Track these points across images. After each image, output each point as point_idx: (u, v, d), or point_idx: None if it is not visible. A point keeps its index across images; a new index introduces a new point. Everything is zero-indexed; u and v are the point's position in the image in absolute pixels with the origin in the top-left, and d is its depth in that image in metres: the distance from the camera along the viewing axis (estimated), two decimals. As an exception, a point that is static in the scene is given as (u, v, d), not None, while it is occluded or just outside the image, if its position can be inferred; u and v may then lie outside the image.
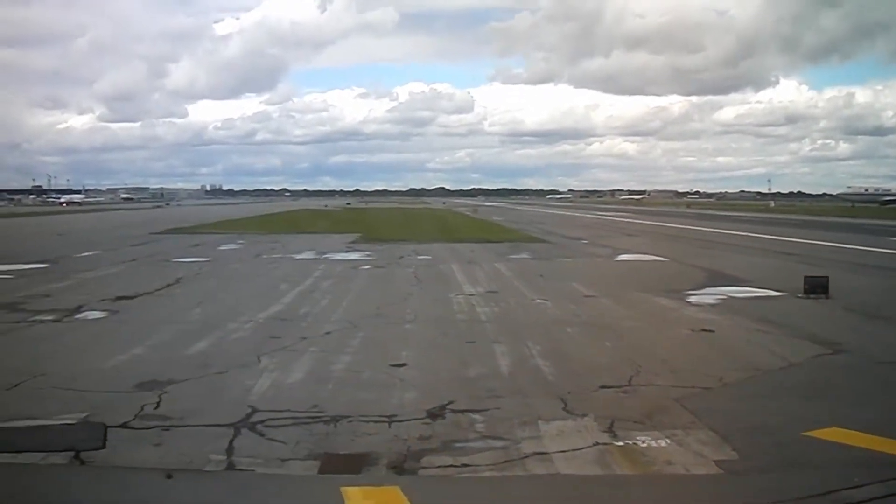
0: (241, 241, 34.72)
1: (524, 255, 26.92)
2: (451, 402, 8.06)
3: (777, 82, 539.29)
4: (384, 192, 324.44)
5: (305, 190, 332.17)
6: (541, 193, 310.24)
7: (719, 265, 23.16)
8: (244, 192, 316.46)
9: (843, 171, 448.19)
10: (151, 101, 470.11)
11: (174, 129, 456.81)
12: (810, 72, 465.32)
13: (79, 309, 14.55)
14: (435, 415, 7.69)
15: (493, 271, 21.64)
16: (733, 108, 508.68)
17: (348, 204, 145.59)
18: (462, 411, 7.82)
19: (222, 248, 31.24)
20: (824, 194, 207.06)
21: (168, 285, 18.37)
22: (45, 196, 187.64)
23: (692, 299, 16.28)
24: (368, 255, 27.01)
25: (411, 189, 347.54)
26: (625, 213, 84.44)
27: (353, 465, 6.38)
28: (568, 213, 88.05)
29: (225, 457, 6.45)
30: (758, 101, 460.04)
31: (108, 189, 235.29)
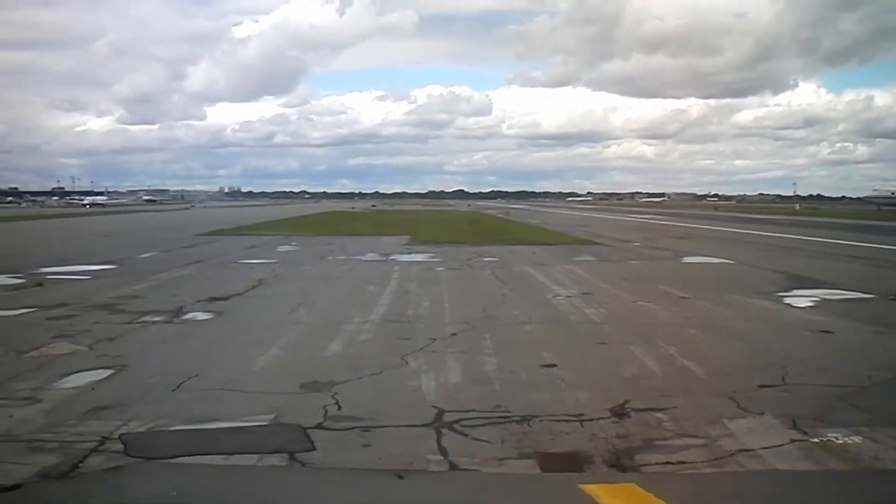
0: (294, 243, 34.74)
1: (588, 258, 26.76)
2: (627, 402, 8.00)
3: (795, 85, 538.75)
4: (403, 195, 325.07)
5: (325, 192, 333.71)
6: (559, 196, 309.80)
7: (788, 268, 22.94)
8: (263, 195, 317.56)
9: (862, 174, 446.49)
10: (170, 103, 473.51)
11: (192, 132, 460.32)
12: (829, 75, 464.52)
13: (181, 310, 14.53)
14: (620, 414, 7.65)
15: (569, 273, 21.52)
16: (751, 111, 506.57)
17: (373, 206, 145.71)
18: (643, 410, 7.76)
19: (280, 249, 31.25)
20: (843, 197, 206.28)
21: (253, 287, 18.36)
22: (68, 197, 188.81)
23: (788, 301, 16.15)
24: (433, 257, 26.94)
25: (430, 192, 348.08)
26: (654, 216, 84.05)
27: (572, 464, 6.35)
28: (598, 216, 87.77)
29: (441, 457, 6.40)
30: (776, 104, 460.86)
31: (129, 191, 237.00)
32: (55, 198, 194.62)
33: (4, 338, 11.67)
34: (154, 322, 13.34)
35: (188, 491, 5.67)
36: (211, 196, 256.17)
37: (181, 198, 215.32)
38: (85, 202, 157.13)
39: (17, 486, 5.58)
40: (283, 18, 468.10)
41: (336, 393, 8.36)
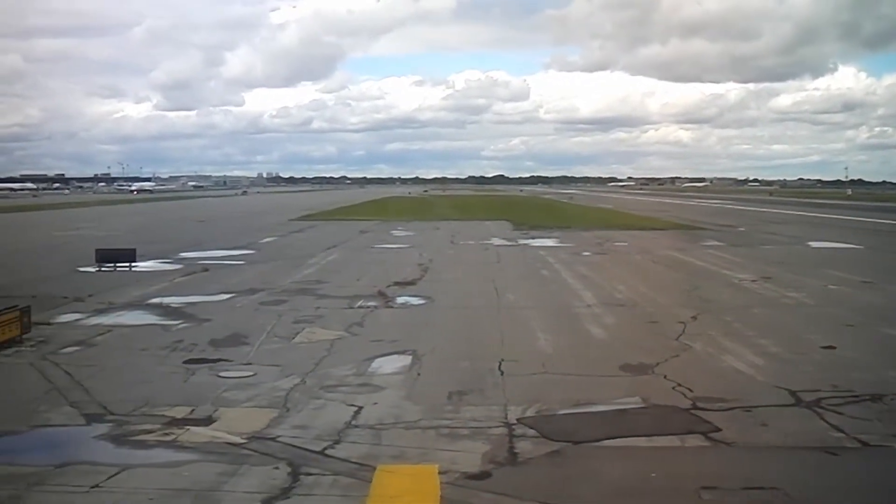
0: (401, 228, 35.20)
1: (715, 243, 26.89)
2: None
3: (835, 69, 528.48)
4: (442, 180, 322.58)
5: (364, 178, 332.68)
6: (598, 181, 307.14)
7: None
8: (303, 180, 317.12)
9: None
10: (208, 89, 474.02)
11: (230, 118, 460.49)
12: (869, 59, 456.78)
13: (384, 295, 14.89)
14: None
15: (720, 259, 21.75)
16: (790, 95, 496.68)
17: (426, 191, 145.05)
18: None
19: (397, 234, 31.76)
20: (884, 182, 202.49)
21: (424, 272, 18.80)
22: (115, 184, 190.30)
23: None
24: (561, 242, 27.29)
25: (469, 177, 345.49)
26: (716, 201, 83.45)
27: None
28: (660, 200, 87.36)
29: (843, 434, 6.73)
30: (815, 89, 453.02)
31: (170, 177, 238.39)
32: (102, 184, 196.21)
33: (247, 324, 12.00)
34: (375, 307, 13.68)
35: (663, 471, 6.04)
36: (253, 182, 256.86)
37: (224, 184, 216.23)
38: (133, 188, 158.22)
39: (487, 475, 5.95)
40: (320, 4, 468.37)
41: (665, 375, 8.69)
